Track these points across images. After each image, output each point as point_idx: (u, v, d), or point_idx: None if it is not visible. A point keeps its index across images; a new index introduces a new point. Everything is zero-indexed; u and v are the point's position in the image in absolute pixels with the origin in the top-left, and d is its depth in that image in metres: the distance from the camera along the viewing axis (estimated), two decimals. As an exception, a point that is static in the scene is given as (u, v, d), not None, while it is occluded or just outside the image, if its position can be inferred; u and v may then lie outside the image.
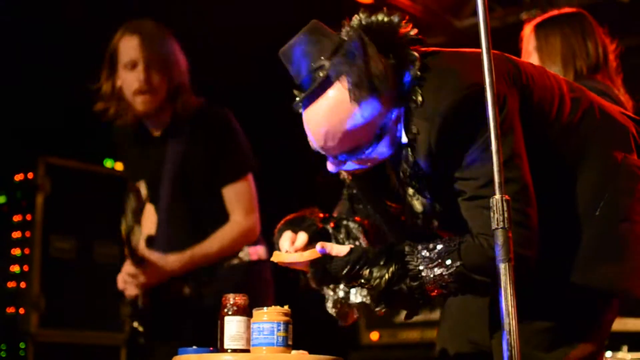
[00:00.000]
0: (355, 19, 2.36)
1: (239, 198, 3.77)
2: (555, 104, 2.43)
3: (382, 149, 2.38)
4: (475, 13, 6.68)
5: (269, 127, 5.86)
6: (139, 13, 4.06)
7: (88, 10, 6.06)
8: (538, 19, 3.65)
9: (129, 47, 3.79)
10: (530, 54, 3.54)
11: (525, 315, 2.06)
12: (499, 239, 2.02)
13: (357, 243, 2.65)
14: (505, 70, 2.36)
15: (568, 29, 3.53)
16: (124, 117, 3.82)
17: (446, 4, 6.61)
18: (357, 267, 2.38)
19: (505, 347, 1.98)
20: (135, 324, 3.73)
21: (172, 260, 3.65)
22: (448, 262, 2.30)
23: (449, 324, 2.84)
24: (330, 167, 2.46)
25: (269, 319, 2.29)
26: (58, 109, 6.29)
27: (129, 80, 3.77)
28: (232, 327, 2.36)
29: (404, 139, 2.36)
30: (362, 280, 2.39)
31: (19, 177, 5.89)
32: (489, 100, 2.07)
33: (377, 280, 2.36)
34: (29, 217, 5.76)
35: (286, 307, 2.35)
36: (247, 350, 2.34)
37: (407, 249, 2.36)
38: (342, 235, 2.66)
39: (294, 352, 2.34)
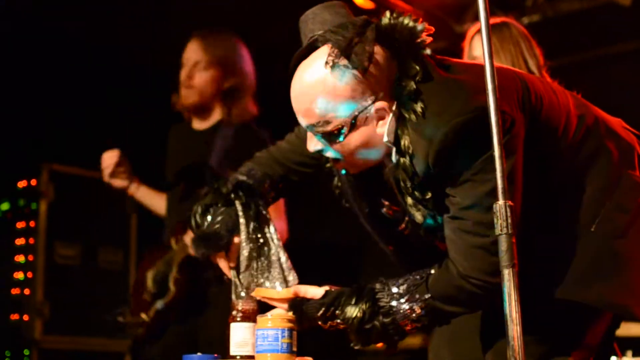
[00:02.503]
0: (386, 15, 2.39)
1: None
2: (562, 123, 2.42)
3: (358, 144, 2.37)
4: (476, 18, 6.68)
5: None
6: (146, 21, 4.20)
7: (89, 18, 6.08)
8: (473, 28, 3.63)
9: (188, 48, 4.17)
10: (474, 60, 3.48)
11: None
12: (503, 244, 2.02)
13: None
14: (514, 90, 2.35)
15: (499, 39, 3.49)
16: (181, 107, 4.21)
17: (447, 9, 6.61)
18: (332, 307, 2.42)
19: (509, 353, 1.98)
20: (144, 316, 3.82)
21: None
22: (417, 295, 2.33)
23: (444, 336, 2.84)
24: (309, 145, 2.45)
25: (274, 326, 2.29)
26: (61, 115, 6.30)
27: (181, 75, 4.16)
28: (239, 333, 2.36)
29: (394, 152, 2.36)
30: (337, 320, 2.42)
31: (22, 184, 5.90)
32: (491, 105, 2.06)
33: (351, 320, 2.38)
34: (32, 223, 5.76)
35: (290, 313, 2.35)
36: (252, 357, 2.34)
37: (377, 286, 2.39)
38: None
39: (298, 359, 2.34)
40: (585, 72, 5.96)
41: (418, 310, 2.33)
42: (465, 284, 2.28)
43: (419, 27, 2.38)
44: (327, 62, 2.30)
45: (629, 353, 3.80)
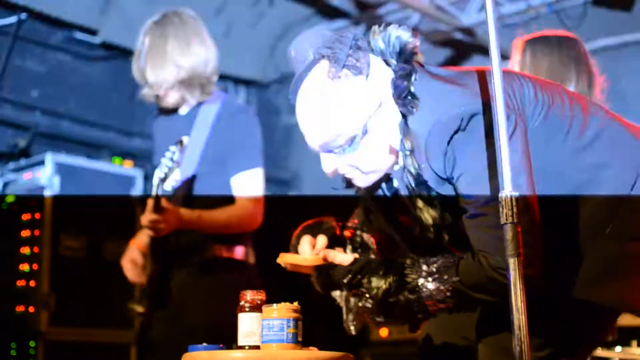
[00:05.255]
0: (375, 29, 2.44)
1: (249, 186, 3.85)
2: (571, 122, 2.41)
3: (372, 150, 2.38)
4: (481, 8, 6.71)
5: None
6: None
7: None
8: (530, 36, 3.56)
9: (141, 34, 3.96)
10: (516, 67, 3.45)
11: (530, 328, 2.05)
12: (508, 233, 2.02)
13: (371, 255, 2.68)
14: (514, 89, 2.36)
15: (558, 53, 3.43)
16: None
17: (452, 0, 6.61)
18: (359, 276, 2.44)
19: (515, 342, 1.98)
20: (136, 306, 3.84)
21: (183, 212, 3.70)
22: (445, 277, 2.33)
23: (439, 322, 2.84)
24: (324, 166, 2.46)
25: (279, 316, 2.29)
26: (68, 107, 6.32)
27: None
28: (246, 323, 2.37)
29: (402, 149, 2.37)
30: (362, 289, 2.44)
31: (27, 176, 5.90)
32: (497, 97, 2.07)
33: (375, 290, 2.40)
34: (37, 215, 5.77)
35: (296, 303, 2.35)
36: (259, 347, 2.34)
37: (408, 261, 2.40)
38: (357, 244, 2.69)
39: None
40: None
41: (445, 292, 2.32)
42: (497, 276, 2.26)
43: (409, 34, 2.41)
44: (329, 76, 2.34)
45: (634, 343, 3.80)
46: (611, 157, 2.43)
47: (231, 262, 3.83)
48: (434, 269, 2.35)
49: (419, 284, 2.35)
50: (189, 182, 3.83)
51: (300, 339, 2.31)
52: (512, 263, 2.01)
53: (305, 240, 2.62)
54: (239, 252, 3.86)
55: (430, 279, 2.34)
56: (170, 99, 3.92)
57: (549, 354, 2.39)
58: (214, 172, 3.84)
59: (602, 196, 2.40)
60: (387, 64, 2.41)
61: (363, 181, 2.48)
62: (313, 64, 2.39)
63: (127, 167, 6.34)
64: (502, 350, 2.35)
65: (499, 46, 2.12)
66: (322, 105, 2.36)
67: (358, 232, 2.72)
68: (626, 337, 3.75)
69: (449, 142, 2.25)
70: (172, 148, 3.65)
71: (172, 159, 3.62)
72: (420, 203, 2.39)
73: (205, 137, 3.87)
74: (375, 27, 2.44)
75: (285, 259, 2.58)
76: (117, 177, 6.20)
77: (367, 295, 2.43)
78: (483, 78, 2.33)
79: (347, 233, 2.71)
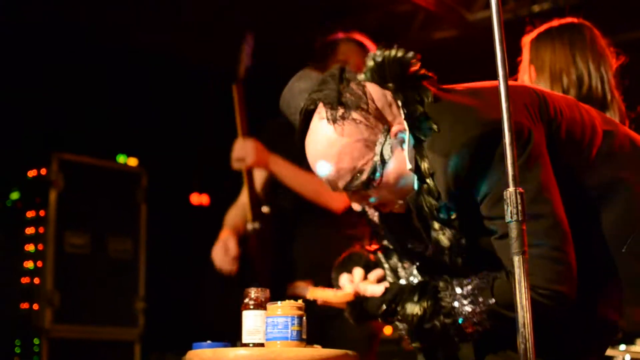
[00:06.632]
0: (370, 55, 2.40)
1: None
2: (586, 136, 2.39)
3: (395, 176, 2.34)
4: (487, 6, 6.66)
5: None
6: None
7: (101, 10, 6.08)
8: (535, 32, 3.54)
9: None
10: (526, 69, 3.42)
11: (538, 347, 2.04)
12: (513, 231, 2.01)
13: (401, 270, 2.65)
14: (529, 103, 2.33)
15: (559, 43, 3.40)
16: None
17: (458, -2, 6.60)
18: (393, 304, 2.42)
19: (520, 340, 1.98)
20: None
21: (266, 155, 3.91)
22: (481, 299, 2.29)
23: None
24: (355, 205, 2.44)
25: (283, 313, 2.29)
26: (71, 105, 6.32)
27: None
28: (250, 321, 2.37)
29: (420, 174, 2.33)
30: (398, 317, 2.41)
31: (32, 173, 5.91)
32: (503, 101, 2.05)
33: (410, 317, 2.37)
34: (42, 213, 5.78)
35: (300, 301, 2.35)
36: (263, 345, 2.34)
37: (441, 284, 2.36)
38: (392, 262, 2.65)
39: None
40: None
41: (480, 314, 2.29)
42: (533, 295, 2.16)
43: (408, 55, 2.37)
44: (328, 119, 2.29)
45: (639, 342, 3.79)
46: (625, 173, 2.41)
47: None
48: (469, 292, 2.31)
49: (455, 307, 2.32)
50: None
51: (304, 336, 2.31)
52: (517, 260, 2.00)
53: (345, 278, 2.59)
54: None
55: (465, 301, 2.31)
56: None
57: None
58: None
59: (618, 212, 2.38)
60: (389, 88, 2.36)
61: (398, 209, 2.44)
62: (310, 112, 2.35)
63: (131, 164, 6.35)
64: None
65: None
66: (331, 150, 2.31)
67: (391, 248, 2.68)
68: (631, 336, 3.75)
69: (471, 162, 2.23)
70: None
71: None
72: (436, 225, 2.35)
73: None
74: (371, 53, 2.40)
75: (315, 295, 2.57)
76: (121, 174, 6.21)
77: (403, 322, 2.41)
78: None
79: (379, 252, 2.68)
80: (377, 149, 2.31)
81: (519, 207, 2.00)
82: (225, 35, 6.39)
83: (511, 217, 2.01)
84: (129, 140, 6.90)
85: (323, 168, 2.35)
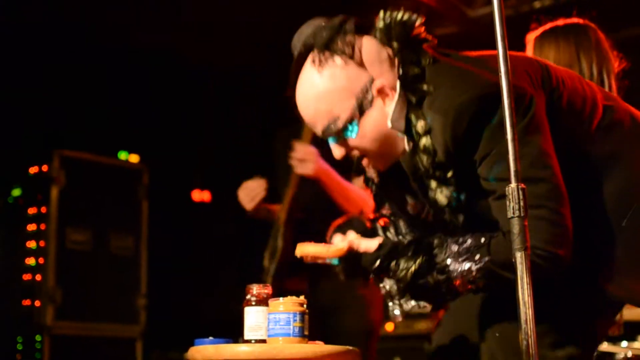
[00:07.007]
0: (380, 16, 2.42)
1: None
2: (586, 108, 2.39)
3: (374, 130, 2.37)
4: (488, 2, 6.66)
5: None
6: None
7: (101, 10, 6.08)
8: (540, 30, 3.55)
9: None
10: None
11: (537, 315, 2.04)
12: (515, 227, 2.01)
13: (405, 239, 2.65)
14: (532, 71, 2.34)
15: (563, 42, 3.41)
16: None
17: (459, -6, 6.60)
18: (387, 261, 2.41)
19: (522, 336, 1.98)
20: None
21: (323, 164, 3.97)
22: (477, 256, 2.29)
23: (448, 329, 2.83)
24: (335, 152, 2.47)
25: (285, 310, 2.29)
26: (73, 102, 6.32)
27: None
28: (252, 317, 2.37)
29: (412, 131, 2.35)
30: (390, 273, 2.41)
31: (33, 170, 5.92)
32: (504, 88, 2.06)
33: (404, 272, 2.37)
34: (44, 209, 5.78)
35: (302, 297, 2.35)
36: (265, 341, 2.34)
37: (436, 241, 2.36)
38: (391, 232, 2.66)
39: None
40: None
41: (475, 272, 2.29)
42: (530, 255, 2.23)
43: (413, 18, 2.40)
44: (313, 61, 2.36)
45: (640, 338, 3.80)
46: (625, 147, 2.42)
47: None
48: (464, 249, 2.31)
49: (448, 264, 2.32)
50: None
51: (306, 332, 2.31)
52: (520, 257, 2.00)
53: (337, 239, 2.61)
54: None
55: (460, 259, 2.30)
56: None
57: (553, 342, 2.37)
58: None
59: (619, 186, 2.38)
60: (391, 47, 2.38)
61: (378, 166, 2.47)
62: (303, 56, 2.40)
63: (132, 161, 6.36)
64: (505, 341, 2.35)
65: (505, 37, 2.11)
66: (313, 92, 2.37)
67: (392, 219, 2.69)
68: (632, 332, 3.75)
69: (470, 124, 2.23)
70: None
71: None
72: (433, 184, 2.36)
73: None
74: (381, 12, 2.43)
75: (305, 250, 2.55)
76: (123, 171, 6.21)
77: (395, 278, 2.41)
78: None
79: (381, 222, 2.69)
80: (357, 100, 2.35)
81: (521, 203, 2.01)
82: (225, 35, 6.43)
83: (513, 213, 2.01)
84: (130, 137, 6.91)
85: (305, 110, 2.41)
